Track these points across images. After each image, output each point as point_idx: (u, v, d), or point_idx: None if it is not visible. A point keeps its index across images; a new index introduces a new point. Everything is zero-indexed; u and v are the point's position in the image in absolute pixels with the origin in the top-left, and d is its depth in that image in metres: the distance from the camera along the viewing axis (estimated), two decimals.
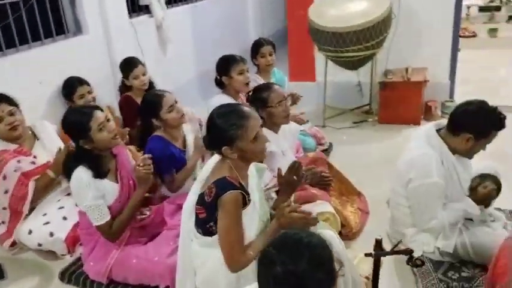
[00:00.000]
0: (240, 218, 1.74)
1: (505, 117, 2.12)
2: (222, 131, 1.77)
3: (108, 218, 2.21)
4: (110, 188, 2.24)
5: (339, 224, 2.45)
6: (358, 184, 3.01)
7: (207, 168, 1.89)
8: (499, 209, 2.55)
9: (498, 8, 6.67)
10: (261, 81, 3.38)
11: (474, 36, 6.60)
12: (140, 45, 4.10)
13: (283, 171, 2.06)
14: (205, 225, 1.79)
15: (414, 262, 1.84)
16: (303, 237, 1.14)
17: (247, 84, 3.07)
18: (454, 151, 2.23)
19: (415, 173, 2.22)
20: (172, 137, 2.59)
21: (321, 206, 2.40)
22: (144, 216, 2.44)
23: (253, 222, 1.78)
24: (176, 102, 2.54)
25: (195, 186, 1.89)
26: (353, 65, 4.19)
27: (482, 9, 6.68)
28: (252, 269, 1.70)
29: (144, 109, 2.62)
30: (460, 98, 4.25)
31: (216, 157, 1.90)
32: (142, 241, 2.39)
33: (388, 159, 3.57)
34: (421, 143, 2.30)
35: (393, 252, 1.89)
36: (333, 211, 2.43)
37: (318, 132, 3.69)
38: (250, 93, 2.73)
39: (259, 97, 2.59)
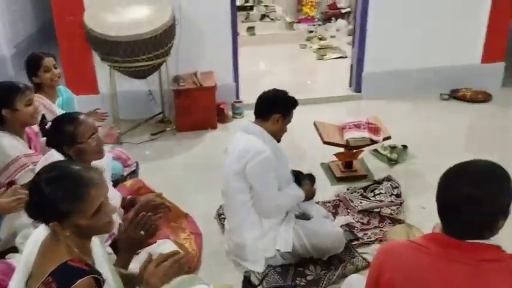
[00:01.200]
0: None
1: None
2: (50, 203, 1.34)
3: None
4: None
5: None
6: (178, 202, 2.83)
7: (31, 250, 1.42)
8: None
9: (251, 8, 7.35)
10: (47, 102, 2.87)
11: (237, 34, 7.11)
12: None
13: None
14: None
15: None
16: None
17: (36, 115, 2.51)
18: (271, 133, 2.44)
19: (251, 153, 2.32)
20: None
21: (163, 246, 2.17)
22: None
23: None
24: None
25: (16, 278, 1.41)
26: (143, 74, 3.95)
27: (239, 8, 7.23)
28: None
29: None
30: (244, 97, 4.53)
31: (41, 231, 1.45)
32: None
33: (200, 166, 3.55)
34: (239, 136, 2.46)
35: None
36: (177, 247, 2.22)
37: (123, 153, 3.33)
38: (45, 126, 2.25)
39: (64, 132, 2.13)
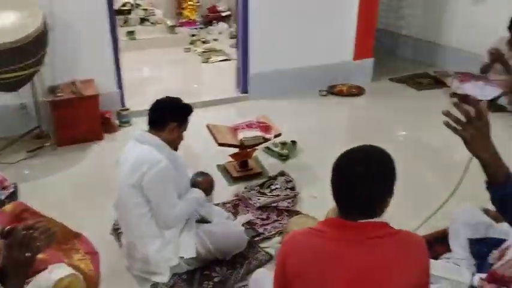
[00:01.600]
0: None
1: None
2: None
3: None
4: None
5: (83, 283, 2.09)
6: (68, 222, 2.62)
7: None
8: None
9: (129, 12, 7.09)
10: None
11: (117, 39, 6.79)
12: None
13: None
14: None
15: None
16: None
17: None
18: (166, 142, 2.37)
19: (147, 164, 2.22)
20: None
21: (58, 271, 1.98)
22: None
23: None
24: None
25: None
26: (13, 86, 3.57)
27: (116, 12, 6.91)
28: None
29: None
30: (131, 104, 4.37)
31: None
32: None
33: (88, 181, 3.34)
34: (132, 147, 2.34)
35: None
36: (73, 271, 2.05)
37: None
38: None
39: None
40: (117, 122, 4.24)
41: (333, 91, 5.09)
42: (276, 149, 3.68)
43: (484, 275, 2.02)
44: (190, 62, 6.35)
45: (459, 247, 2.29)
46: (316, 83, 5.05)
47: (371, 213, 1.42)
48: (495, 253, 2.03)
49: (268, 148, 3.72)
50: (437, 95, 5.00)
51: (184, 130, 2.42)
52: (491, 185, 1.43)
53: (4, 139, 3.79)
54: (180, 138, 2.42)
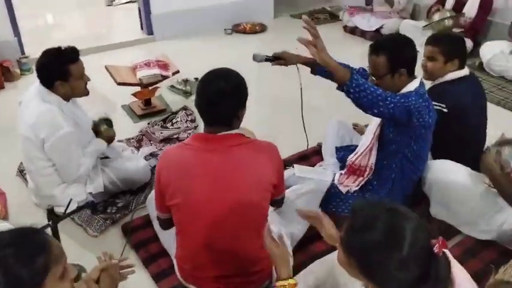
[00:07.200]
0: None
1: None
2: None
3: None
4: None
5: None
6: None
7: None
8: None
9: None
10: None
11: None
12: None
13: None
14: None
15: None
16: None
17: None
18: (65, 98, 2.32)
19: (46, 131, 2.23)
20: None
21: None
22: None
23: None
24: None
25: None
26: None
27: None
28: None
29: None
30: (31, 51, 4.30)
31: None
32: None
33: None
34: (34, 102, 2.28)
35: (68, 214, 2.02)
36: None
37: None
38: None
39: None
40: (17, 70, 4.18)
41: (237, 29, 5.28)
42: (180, 87, 3.87)
43: (343, 171, 2.46)
44: (95, 5, 6.18)
45: (328, 155, 2.70)
46: (222, 22, 5.21)
47: (229, 125, 1.71)
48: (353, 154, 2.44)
49: (172, 86, 3.91)
50: (332, 29, 5.36)
51: (78, 75, 2.28)
52: (344, 85, 1.90)
53: None
54: (78, 86, 2.30)
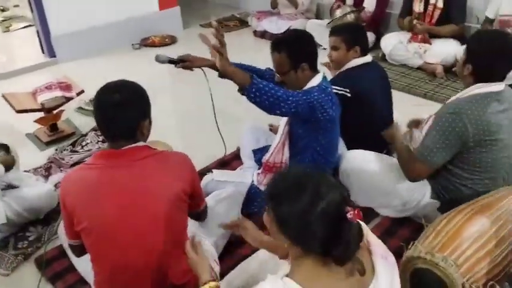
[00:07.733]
0: None
1: None
2: None
3: None
4: None
5: None
6: None
7: None
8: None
9: None
10: None
11: None
12: None
13: None
14: None
15: None
16: None
17: None
18: None
19: None
20: None
21: None
22: None
23: None
24: None
25: None
26: None
27: None
28: None
29: None
30: None
31: None
32: None
33: None
34: None
35: None
36: None
37: None
38: None
39: None
40: None
41: (146, 43, 5.16)
42: (88, 108, 3.69)
43: (260, 170, 2.46)
44: None
45: (247, 158, 2.70)
46: (128, 37, 5.06)
47: (133, 138, 1.63)
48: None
49: (80, 108, 3.71)
50: (242, 35, 5.42)
51: None
52: (244, 90, 1.92)
53: None
54: None
